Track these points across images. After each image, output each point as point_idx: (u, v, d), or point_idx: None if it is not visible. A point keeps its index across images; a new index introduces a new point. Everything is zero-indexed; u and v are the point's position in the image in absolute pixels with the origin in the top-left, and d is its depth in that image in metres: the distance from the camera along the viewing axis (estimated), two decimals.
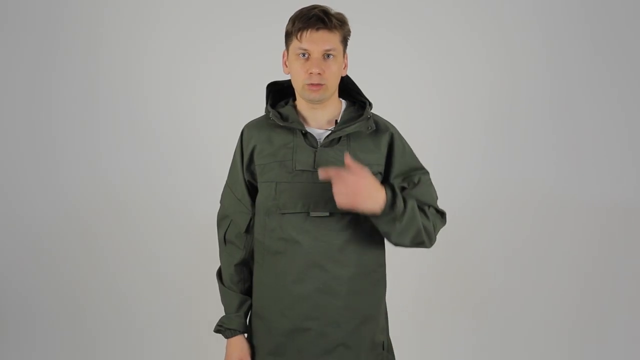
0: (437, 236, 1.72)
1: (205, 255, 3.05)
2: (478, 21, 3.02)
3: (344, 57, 1.62)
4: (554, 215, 3.05)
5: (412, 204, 1.60)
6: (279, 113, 1.68)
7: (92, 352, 3.08)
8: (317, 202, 1.61)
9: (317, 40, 1.55)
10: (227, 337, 1.77)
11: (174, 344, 3.08)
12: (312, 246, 1.61)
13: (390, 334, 1.81)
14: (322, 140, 1.64)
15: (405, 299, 2.86)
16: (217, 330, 1.79)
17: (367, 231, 1.65)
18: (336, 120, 1.66)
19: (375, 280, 1.70)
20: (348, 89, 1.71)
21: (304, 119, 1.67)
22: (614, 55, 3.01)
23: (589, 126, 3.04)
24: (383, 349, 1.73)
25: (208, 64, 3.04)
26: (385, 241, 1.73)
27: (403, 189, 1.67)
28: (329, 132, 1.64)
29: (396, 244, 1.64)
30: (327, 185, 1.58)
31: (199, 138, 3.06)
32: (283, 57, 1.63)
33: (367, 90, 1.72)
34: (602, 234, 3.05)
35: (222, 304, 1.81)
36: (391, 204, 1.55)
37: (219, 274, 1.83)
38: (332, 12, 1.60)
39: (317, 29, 1.54)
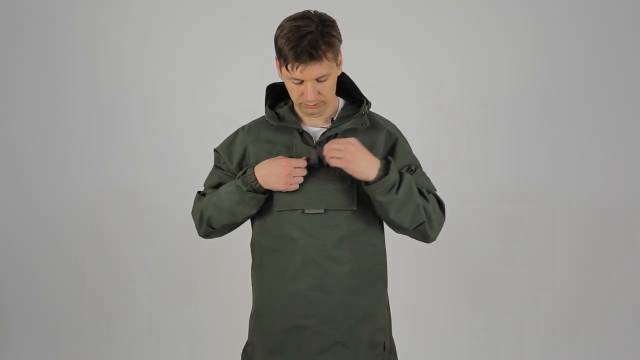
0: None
1: (212, 255, 3.06)
2: (476, 20, 3.02)
3: (337, 63, 1.57)
4: (552, 214, 3.04)
5: (408, 177, 1.59)
6: (276, 114, 1.68)
7: (93, 352, 3.10)
8: (313, 199, 1.61)
9: (307, 72, 1.51)
10: (251, 177, 1.60)
11: (175, 344, 3.10)
12: (307, 243, 1.62)
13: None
14: (318, 138, 1.64)
15: (403, 299, 2.86)
16: (249, 189, 1.60)
17: (364, 229, 1.65)
18: (332, 118, 1.66)
19: (373, 279, 1.69)
20: (347, 88, 1.70)
21: (301, 119, 1.67)
22: (613, 54, 3.00)
23: (588, 126, 3.03)
24: (384, 350, 1.71)
25: (216, 69, 3.07)
26: (385, 242, 1.74)
27: None
28: (325, 129, 1.65)
29: (396, 225, 1.61)
30: (323, 183, 1.60)
31: (214, 138, 3.06)
32: (276, 60, 1.58)
33: (362, 89, 1.72)
34: (602, 233, 3.05)
35: (227, 191, 1.65)
36: (385, 169, 1.54)
37: (197, 211, 1.74)
38: (323, 33, 1.49)
39: (307, 64, 1.49)
